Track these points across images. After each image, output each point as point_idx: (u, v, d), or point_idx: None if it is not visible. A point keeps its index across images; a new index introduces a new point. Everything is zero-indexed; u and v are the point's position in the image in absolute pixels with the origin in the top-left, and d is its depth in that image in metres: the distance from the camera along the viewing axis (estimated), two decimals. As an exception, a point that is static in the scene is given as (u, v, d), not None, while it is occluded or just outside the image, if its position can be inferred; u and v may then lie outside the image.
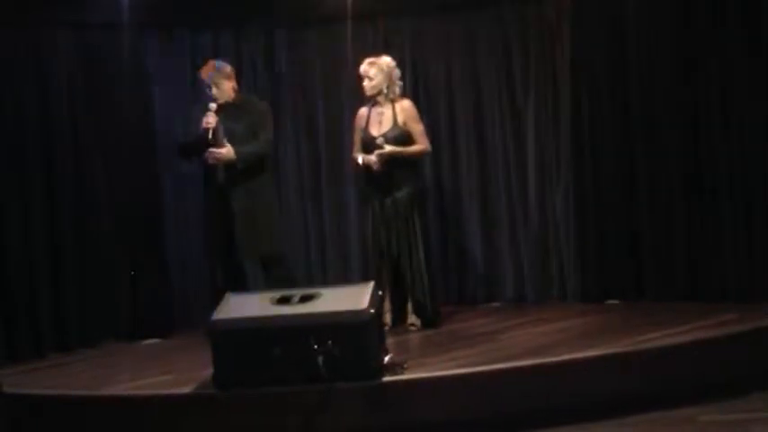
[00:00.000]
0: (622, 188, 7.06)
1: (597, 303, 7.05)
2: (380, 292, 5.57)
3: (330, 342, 5.11)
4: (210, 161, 6.51)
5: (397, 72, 6.75)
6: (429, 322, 6.66)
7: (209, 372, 5.38)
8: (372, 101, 6.72)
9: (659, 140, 6.90)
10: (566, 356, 5.56)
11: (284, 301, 5.41)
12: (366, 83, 6.69)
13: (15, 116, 6.83)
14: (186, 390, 5.47)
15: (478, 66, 7.60)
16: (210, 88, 6.59)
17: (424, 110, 7.52)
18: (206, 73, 6.64)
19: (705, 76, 6.70)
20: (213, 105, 6.55)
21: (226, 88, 6.65)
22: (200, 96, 7.02)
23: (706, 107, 6.73)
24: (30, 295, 6.81)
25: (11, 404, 5.00)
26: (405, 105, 6.71)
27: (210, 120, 6.49)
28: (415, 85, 7.58)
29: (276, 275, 6.66)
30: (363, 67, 6.70)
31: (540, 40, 7.44)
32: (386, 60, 6.72)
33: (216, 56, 7.30)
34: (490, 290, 7.59)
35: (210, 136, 6.48)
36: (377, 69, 6.67)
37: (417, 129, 6.71)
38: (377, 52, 7.14)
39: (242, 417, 5.28)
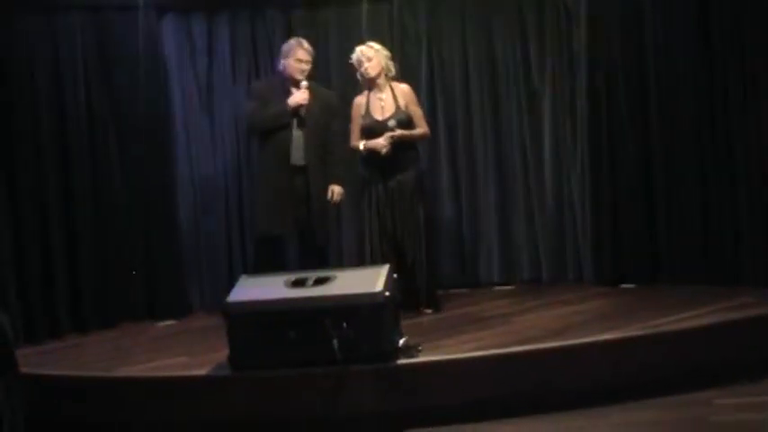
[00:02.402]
0: (638, 171, 7.03)
1: (613, 286, 7.03)
2: (395, 275, 5.56)
3: (345, 324, 5.13)
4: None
5: (388, 53, 6.76)
6: (433, 306, 6.68)
7: (224, 353, 5.41)
8: (370, 86, 6.70)
9: (676, 123, 6.87)
10: (581, 339, 5.56)
11: (299, 283, 5.44)
12: (367, 65, 6.67)
13: (31, 99, 6.83)
14: (202, 371, 5.51)
15: (495, 48, 7.55)
16: (307, 69, 6.67)
17: (440, 91, 7.53)
18: (311, 55, 6.72)
19: (723, 59, 6.65)
20: (305, 83, 6.63)
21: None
22: (213, 79, 7.05)
23: (723, 89, 6.68)
24: (47, 276, 6.83)
25: (28, 384, 5.02)
26: (404, 90, 6.73)
27: (307, 96, 6.60)
28: (430, 67, 7.55)
29: (318, 261, 6.67)
30: (356, 55, 6.70)
31: (556, 22, 7.40)
32: (377, 45, 6.73)
33: (232, 38, 7.33)
34: (505, 272, 7.57)
35: (303, 113, 6.58)
36: (372, 51, 6.69)
37: (418, 112, 6.74)
38: (392, 35, 7.16)
39: (257, 398, 5.31)
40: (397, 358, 5.30)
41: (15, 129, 6.75)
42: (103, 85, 7.15)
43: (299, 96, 6.62)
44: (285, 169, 6.63)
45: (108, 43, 7.18)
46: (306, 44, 6.77)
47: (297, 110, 6.63)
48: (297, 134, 6.65)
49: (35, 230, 6.81)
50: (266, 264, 6.53)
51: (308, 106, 6.66)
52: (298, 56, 6.70)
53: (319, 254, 6.79)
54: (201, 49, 7.54)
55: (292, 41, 6.80)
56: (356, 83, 7.18)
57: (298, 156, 6.64)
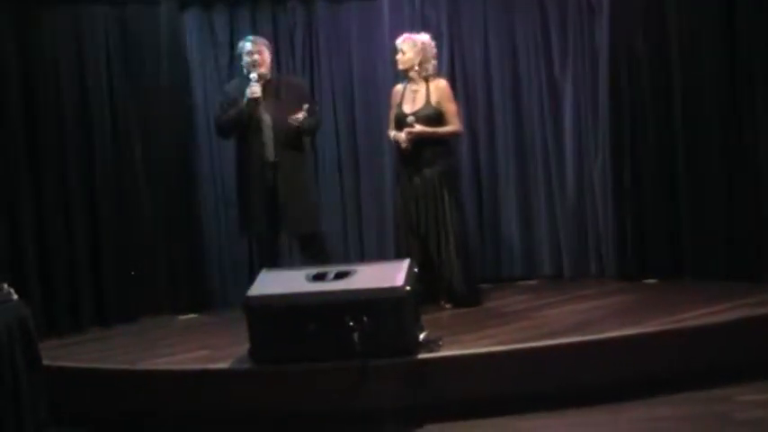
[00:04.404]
0: (662, 164, 6.99)
1: (635, 282, 7.00)
2: (416, 270, 5.55)
3: (366, 319, 5.12)
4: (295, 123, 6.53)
5: (433, 50, 6.70)
6: (460, 303, 6.62)
7: (245, 347, 5.43)
8: (408, 78, 6.69)
9: (700, 117, 6.82)
10: (603, 334, 5.55)
11: (320, 277, 5.44)
12: (398, 56, 6.67)
13: (55, 91, 6.86)
14: (222, 365, 5.52)
15: (516, 39, 7.51)
16: (257, 60, 6.66)
17: (461, 85, 7.49)
18: (258, 46, 6.71)
19: (748, 51, 6.59)
20: (255, 76, 6.60)
21: (269, 62, 6.72)
22: (235, 74, 7.06)
23: (748, 82, 6.62)
24: (69, 270, 6.87)
25: (50, 377, 5.05)
26: (439, 85, 6.68)
27: (256, 89, 6.55)
28: (451, 60, 7.52)
29: (314, 252, 6.69)
30: (398, 42, 6.69)
31: (578, 11, 7.35)
32: (421, 37, 6.68)
33: (254, 31, 7.32)
34: (527, 267, 7.55)
35: (255, 106, 6.55)
36: (410, 45, 6.64)
37: (450, 109, 6.67)
38: (414, 27, 7.13)
39: (277, 392, 5.32)
40: (418, 353, 5.29)
41: (39, 123, 6.77)
42: (126, 79, 7.17)
43: (248, 91, 6.58)
44: (258, 167, 6.64)
45: (131, 37, 7.20)
46: (252, 37, 6.78)
47: (254, 105, 6.58)
48: (267, 129, 6.64)
49: (58, 224, 6.84)
50: (265, 254, 6.65)
51: (273, 100, 6.60)
52: (246, 50, 6.70)
53: (309, 241, 6.76)
54: (223, 43, 7.55)
55: (240, 41, 6.81)
56: (377, 75, 7.20)
57: (269, 152, 6.63)
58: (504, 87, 7.53)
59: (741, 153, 6.69)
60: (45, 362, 5.06)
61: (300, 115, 6.54)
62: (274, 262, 6.59)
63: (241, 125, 6.67)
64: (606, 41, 7.15)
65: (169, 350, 6.09)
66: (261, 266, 6.06)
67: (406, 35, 6.71)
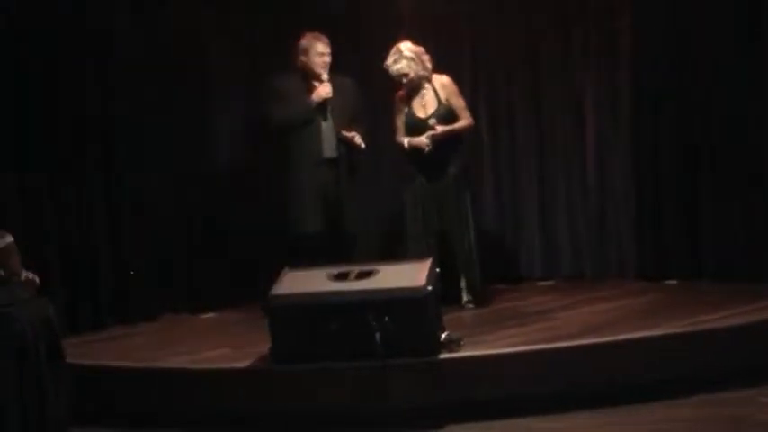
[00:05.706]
0: (682, 167, 6.97)
1: (655, 282, 6.98)
2: (438, 270, 5.56)
3: (387, 318, 5.13)
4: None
5: (421, 50, 6.63)
6: (480, 300, 6.64)
7: (266, 346, 5.44)
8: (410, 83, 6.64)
9: (722, 116, 6.79)
10: (623, 336, 5.54)
11: (342, 277, 5.45)
12: (405, 81, 6.60)
13: (75, 87, 6.87)
14: (244, 364, 5.54)
15: (537, 40, 7.47)
16: (328, 61, 6.58)
17: (482, 86, 7.50)
18: (328, 46, 6.62)
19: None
20: (326, 76, 6.56)
21: None
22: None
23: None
24: (91, 268, 6.89)
25: (72, 374, 5.08)
26: (444, 82, 6.66)
27: (330, 90, 6.52)
28: (473, 63, 7.52)
29: (358, 251, 6.68)
30: (392, 68, 6.56)
31: (599, 11, 7.33)
32: (407, 46, 6.59)
33: (276, 30, 7.33)
34: (547, 267, 7.54)
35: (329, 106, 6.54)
36: (406, 62, 6.55)
37: (460, 104, 6.66)
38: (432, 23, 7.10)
39: (299, 391, 5.33)
40: (439, 353, 5.30)
41: (60, 122, 6.80)
42: (147, 78, 7.19)
43: (323, 91, 6.54)
44: (317, 164, 6.58)
45: (150, 34, 7.19)
46: (323, 37, 6.66)
47: (323, 104, 6.57)
48: (326, 127, 6.60)
49: (78, 222, 6.87)
50: (302, 260, 6.48)
51: (332, 98, 6.57)
52: (318, 50, 6.60)
53: (351, 242, 6.75)
54: (242, 42, 7.55)
55: (309, 37, 6.65)
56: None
57: (330, 148, 6.59)
58: (525, 88, 7.50)
59: (762, 154, 6.67)
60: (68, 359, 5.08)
61: (359, 140, 6.57)
62: (314, 261, 6.44)
63: (305, 120, 6.58)
64: (628, 39, 7.13)
65: (190, 348, 6.10)
66: (295, 266, 5.94)
67: (392, 57, 6.56)
